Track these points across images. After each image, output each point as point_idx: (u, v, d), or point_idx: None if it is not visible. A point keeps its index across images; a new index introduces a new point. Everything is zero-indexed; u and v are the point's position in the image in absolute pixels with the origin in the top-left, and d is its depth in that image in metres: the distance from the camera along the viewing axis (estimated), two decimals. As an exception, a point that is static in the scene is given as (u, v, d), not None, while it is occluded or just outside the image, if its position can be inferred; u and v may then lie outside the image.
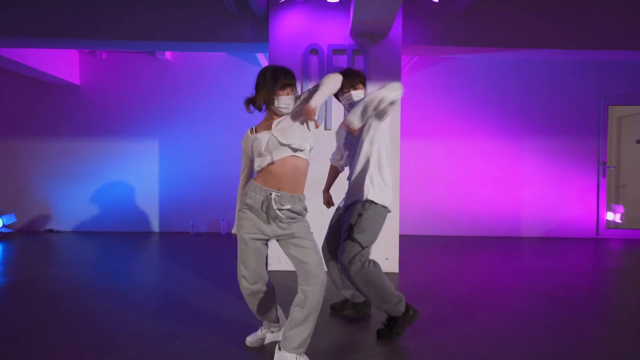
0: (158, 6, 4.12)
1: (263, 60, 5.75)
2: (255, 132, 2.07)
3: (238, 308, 2.86)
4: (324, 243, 2.63)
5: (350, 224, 2.31)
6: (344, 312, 2.73)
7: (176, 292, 3.23)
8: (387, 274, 3.74)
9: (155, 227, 6.04)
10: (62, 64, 5.63)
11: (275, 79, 1.97)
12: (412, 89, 5.84)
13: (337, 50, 3.85)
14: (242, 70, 5.93)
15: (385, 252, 3.84)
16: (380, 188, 2.33)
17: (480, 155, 5.96)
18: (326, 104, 3.85)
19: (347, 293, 2.68)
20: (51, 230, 5.97)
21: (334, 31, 3.85)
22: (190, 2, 4.12)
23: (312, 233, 2.06)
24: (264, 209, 1.96)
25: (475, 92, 5.93)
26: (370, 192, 2.31)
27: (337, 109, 3.84)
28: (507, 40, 4.18)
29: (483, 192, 5.96)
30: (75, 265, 4.08)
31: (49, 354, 2.18)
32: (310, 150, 2.05)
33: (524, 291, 3.35)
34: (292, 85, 2.01)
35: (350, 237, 2.26)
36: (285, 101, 1.99)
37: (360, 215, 2.29)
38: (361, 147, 2.35)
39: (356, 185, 2.36)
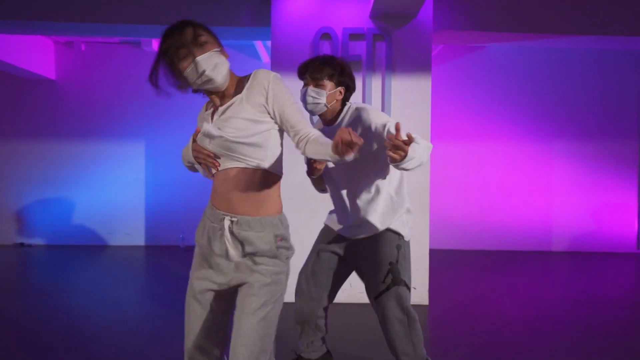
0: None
1: (263, 52, 5.13)
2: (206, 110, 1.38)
3: None
4: (302, 285, 1.90)
5: (390, 262, 1.74)
6: None
7: (164, 325, 2.62)
8: (415, 306, 3.12)
9: (141, 240, 5.48)
10: (35, 56, 5.05)
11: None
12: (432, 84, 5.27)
13: (354, 35, 3.23)
14: (238, 64, 5.22)
15: (413, 280, 3.21)
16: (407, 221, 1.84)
17: (505, 159, 5.40)
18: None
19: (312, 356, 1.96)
20: (22, 244, 5.41)
21: (350, 12, 3.24)
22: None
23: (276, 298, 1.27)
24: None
25: (499, 88, 5.38)
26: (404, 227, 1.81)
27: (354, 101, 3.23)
28: (548, 24, 3.60)
29: (508, 201, 5.41)
30: (48, 291, 3.55)
31: None
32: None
33: (557, 314, 3.08)
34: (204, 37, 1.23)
35: (398, 280, 1.74)
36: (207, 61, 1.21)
37: (399, 248, 1.77)
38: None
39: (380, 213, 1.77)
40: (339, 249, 1.87)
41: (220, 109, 1.28)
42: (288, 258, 1.31)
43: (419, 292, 3.26)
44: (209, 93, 1.32)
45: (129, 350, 2.44)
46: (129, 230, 5.46)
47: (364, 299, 3.18)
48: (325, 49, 3.25)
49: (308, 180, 1.83)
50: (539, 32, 3.60)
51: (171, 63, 1.24)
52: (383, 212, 1.75)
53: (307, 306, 1.88)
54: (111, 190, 5.46)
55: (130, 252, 5.11)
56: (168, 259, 4.80)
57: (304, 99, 1.72)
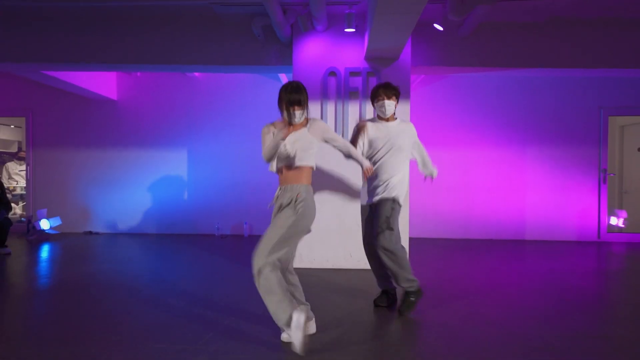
0: (189, 33, 4.60)
1: (283, 77, 6.23)
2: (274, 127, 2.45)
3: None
4: (365, 240, 3.09)
5: (386, 216, 2.86)
6: (384, 304, 3.14)
7: (210, 290, 3.62)
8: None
9: (183, 229, 6.54)
10: (101, 81, 6.18)
11: (282, 95, 2.39)
12: (421, 103, 6.27)
13: (353, 73, 4.32)
14: (263, 86, 6.44)
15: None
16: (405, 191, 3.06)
17: (486, 162, 6.33)
18: (342, 113, 4.30)
19: (384, 285, 3.14)
20: (90, 232, 6.53)
21: (350, 56, 4.31)
22: (220, 28, 4.59)
23: (288, 224, 2.33)
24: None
25: (480, 104, 6.31)
26: (402, 194, 2.98)
27: (353, 121, 4.29)
28: (508, 61, 4.59)
29: (489, 198, 6.32)
30: (114, 264, 4.53)
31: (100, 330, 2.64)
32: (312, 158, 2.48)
33: (528, 289, 3.61)
34: (299, 101, 2.33)
35: (389, 227, 2.87)
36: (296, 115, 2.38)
37: (393, 209, 2.91)
38: (400, 151, 2.96)
39: (390, 185, 2.93)
40: (370, 211, 3.05)
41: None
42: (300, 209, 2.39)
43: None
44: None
45: (172, 309, 3.29)
46: (174, 221, 6.52)
47: (361, 265, 4.24)
48: (332, 83, 4.34)
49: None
50: (497, 67, 4.60)
51: (281, 105, 2.40)
52: (400, 187, 2.97)
53: (369, 244, 3.07)
54: (160, 189, 6.54)
55: (174, 239, 6.08)
56: (205, 245, 5.71)
57: (382, 107, 2.94)
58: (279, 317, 2.23)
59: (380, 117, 3.03)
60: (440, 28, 4.25)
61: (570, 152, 6.26)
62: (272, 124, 2.47)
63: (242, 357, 2.27)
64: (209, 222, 6.50)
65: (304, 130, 2.42)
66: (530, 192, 6.31)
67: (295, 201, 2.36)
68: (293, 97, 2.33)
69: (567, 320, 2.86)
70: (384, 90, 2.94)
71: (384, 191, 2.93)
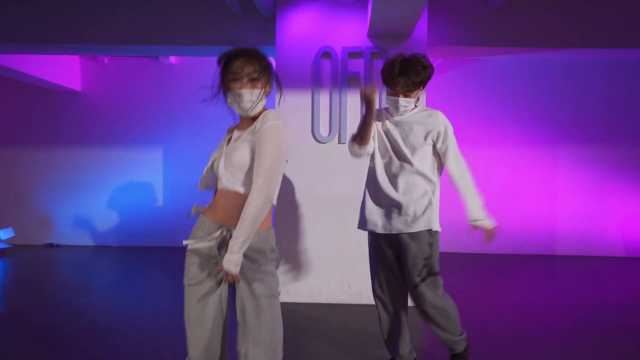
0: (157, 9, 3.77)
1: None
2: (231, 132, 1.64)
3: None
4: (377, 288, 2.23)
5: (425, 257, 2.06)
6: None
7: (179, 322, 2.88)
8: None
9: (159, 241, 5.75)
10: (62, 69, 5.37)
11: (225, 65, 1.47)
12: (434, 94, 5.37)
13: (352, 54, 3.41)
14: (250, 74, 5.56)
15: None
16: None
17: (510, 164, 5.47)
18: (339, 105, 3.42)
19: (397, 352, 2.27)
20: (51, 245, 5.75)
21: (349, 32, 3.41)
22: (192, 3, 3.75)
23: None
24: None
25: (504, 96, 5.44)
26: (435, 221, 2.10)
27: (352, 114, 3.41)
28: (544, 39, 3.69)
29: (513, 205, 5.46)
30: (76, 288, 3.87)
31: None
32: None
33: (559, 321, 3.08)
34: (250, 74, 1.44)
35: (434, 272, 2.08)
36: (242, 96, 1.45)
37: (431, 245, 2.10)
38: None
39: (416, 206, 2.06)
40: (385, 245, 2.24)
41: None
42: None
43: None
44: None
45: (147, 345, 2.71)
46: (148, 232, 5.73)
47: (363, 300, 3.40)
48: (326, 66, 3.45)
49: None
50: (533, 47, 3.70)
51: (224, 81, 1.49)
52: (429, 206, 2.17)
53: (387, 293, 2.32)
54: (132, 194, 5.75)
55: (148, 252, 5.37)
56: (182, 260, 5.06)
57: (396, 104, 2.04)
58: None
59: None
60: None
61: (609, 152, 5.37)
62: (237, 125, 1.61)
63: None
64: (188, 232, 5.65)
65: (246, 133, 1.52)
66: (562, 198, 5.42)
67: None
68: (236, 64, 1.44)
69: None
70: (404, 76, 1.92)
71: (410, 218, 2.03)
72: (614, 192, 5.39)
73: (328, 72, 3.44)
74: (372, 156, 2.15)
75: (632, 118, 5.35)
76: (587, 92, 5.37)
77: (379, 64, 3.39)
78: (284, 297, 3.45)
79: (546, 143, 5.42)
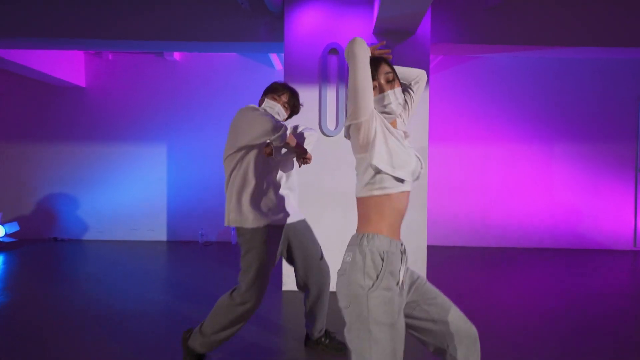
0: (166, 4, 3.83)
1: (276, 61, 5.45)
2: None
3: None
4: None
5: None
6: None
7: (187, 309, 2.95)
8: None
9: (163, 235, 5.80)
10: (67, 65, 5.40)
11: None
12: (434, 90, 5.49)
13: (359, 50, 3.51)
14: (253, 72, 5.64)
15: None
16: None
17: (506, 160, 5.59)
18: (346, 109, 3.52)
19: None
20: (55, 239, 5.76)
21: (355, 29, 3.52)
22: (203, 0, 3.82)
23: None
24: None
25: (502, 93, 5.56)
26: None
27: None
28: (540, 37, 3.82)
29: (510, 200, 5.59)
30: (80, 281, 3.90)
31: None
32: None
33: (555, 312, 3.12)
34: None
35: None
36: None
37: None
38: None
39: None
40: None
41: None
42: None
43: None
44: None
45: (151, 335, 2.78)
46: (152, 227, 5.80)
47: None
48: (333, 62, 3.55)
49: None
50: (530, 45, 3.83)
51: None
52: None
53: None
54: (136, 189, 5.79)
55: (152, 246, 5.40)
56: (188, 252, 5.09)
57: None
58: None
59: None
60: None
61: (602, 149, 5.51)
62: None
63: None
64: (192, 227, 5.75)
65: None
66: (556, 194, 5.56)
67: None
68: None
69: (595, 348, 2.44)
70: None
71: None
72: (607, 188, 5.53)
73: (335, 68, 3.55)
74: None
75: (625, 115, 5.49)
76: (583, 90, 5.50)
77: (384, 60, 3.50)
78: (291, 286, 3.55)
79: (542, 140, 5.55)
